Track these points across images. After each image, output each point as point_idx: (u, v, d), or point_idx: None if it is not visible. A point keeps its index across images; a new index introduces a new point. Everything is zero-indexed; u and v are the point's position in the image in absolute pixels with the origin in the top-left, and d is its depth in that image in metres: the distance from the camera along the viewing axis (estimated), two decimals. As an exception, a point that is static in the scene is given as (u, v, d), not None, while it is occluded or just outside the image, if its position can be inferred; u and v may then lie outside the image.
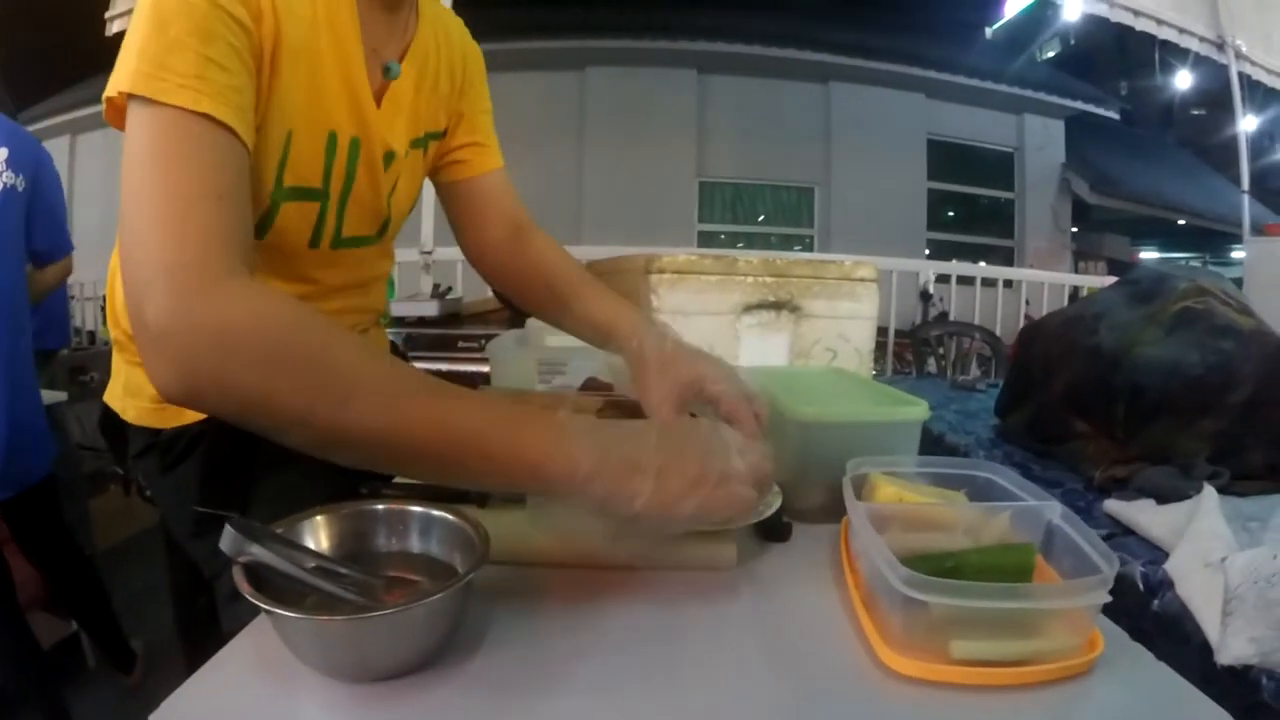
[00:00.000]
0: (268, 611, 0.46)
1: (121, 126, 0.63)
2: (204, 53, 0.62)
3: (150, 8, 0.61)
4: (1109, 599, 0.44)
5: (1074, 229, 9.83)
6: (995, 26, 10.64)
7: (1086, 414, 1.09)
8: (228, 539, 0.49)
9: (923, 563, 0.48)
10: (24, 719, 1.77)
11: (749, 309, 1.25)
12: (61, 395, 2.39)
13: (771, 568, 0.66)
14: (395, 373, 0.55)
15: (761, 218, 9.36)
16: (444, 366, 1.31)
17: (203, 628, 1.50)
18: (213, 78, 0.62)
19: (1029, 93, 9.24)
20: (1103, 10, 3.65)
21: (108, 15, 3.90)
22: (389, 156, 0.85)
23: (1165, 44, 3.87)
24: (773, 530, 0.70)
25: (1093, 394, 1.07)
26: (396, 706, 0.46)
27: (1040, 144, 9.44)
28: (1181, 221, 10.22)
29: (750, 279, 1.24)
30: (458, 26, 0.99)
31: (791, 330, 1.26)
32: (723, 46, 8.39)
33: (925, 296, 5.11)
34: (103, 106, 0.65)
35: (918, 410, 0.75)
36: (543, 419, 0.55)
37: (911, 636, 0.47)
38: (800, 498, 0.74)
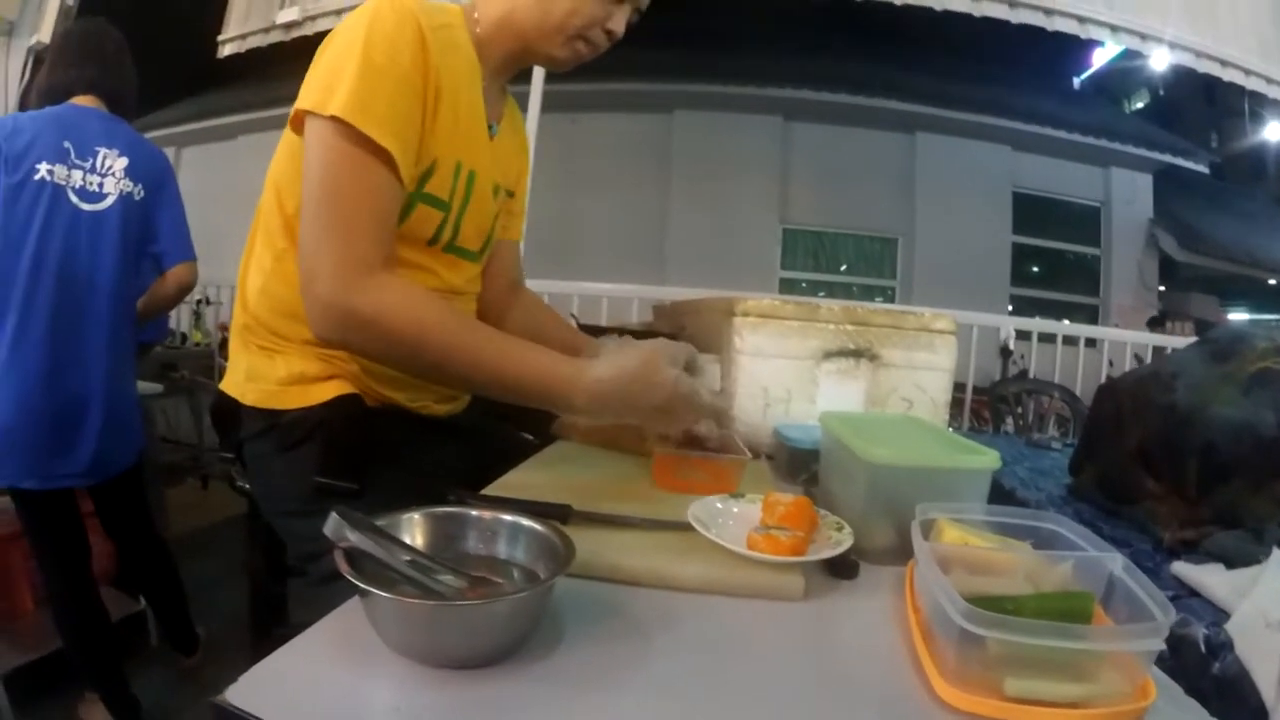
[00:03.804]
0: (363, 592, 0.50)
1: (300, 131, 0.88)
2: (397, 102, 0.86)
3: (362, 54, 0.84)
4: (1163, 646, 0.45)
5: (1161, 287, 9.48)
6: (1083, 77, 10.44)
7: (1158, 473, 1.07)
8: (331, 524, 0.54)
9: (983, 604, 0.49)
10: (87, 684, 1.88)
11: (828, 355, 1.27)
12: (155, 387, 2.54)
13: (836, 602, 0.68)
14: (477, 343, 0.84)
15: (844, 267, 9.29)
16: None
17: (273, 613, 1.58)
18: (398, 123, 0.86)
19: (1116, 145, 8.99)
20: (1189, 60, 3.56)
21: (221, 39, 4.17)
22: (495, 190, 1.09)
23: (1255, 94, 3.75)
24: (841, 567, 0.72)
25: (1165, 453, 1.06)
26: (470, 693, 0.49)
27: (1127, 198, 9.16)
28: (1273, 281, 9.76)
29: (831, 326, 1.27)
30: (521, 120, 1.27)
31: (869, 378, 1.28)
32: (809, 94, 8.41)
33: (1005, 353, 4.99)
34: (290, 112, 0.89)
35: (988, 459, 0.76)
36: (559, 359, 0.86)
37: (967, 671, 0.48)
38: (868, 538, 0.76)
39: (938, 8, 3.30)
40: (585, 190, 8.23)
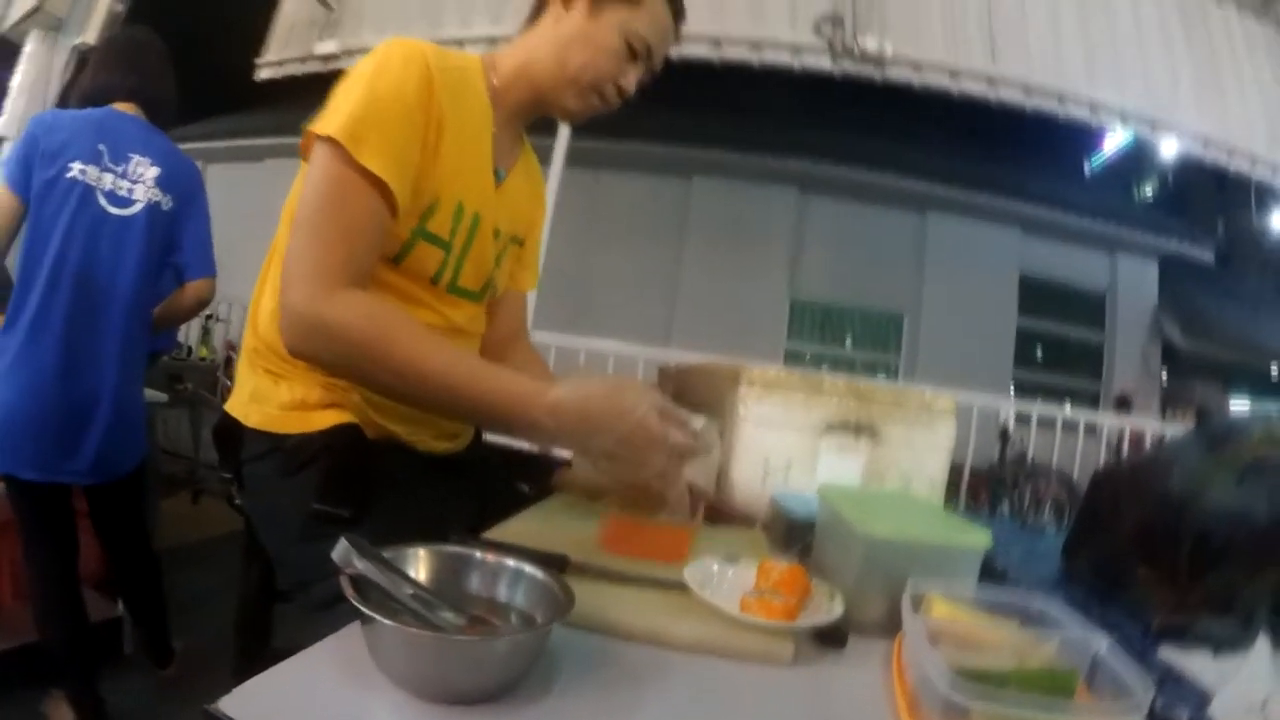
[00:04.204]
0: (366, 619, 0.51)
1: (307, 156, 0.92)
2: (394, 133, 0.89)
3: (367, 85, 0.88)
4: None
5: (1164, 374, 9.50)
6: (1094, 163, 10.61)
7: (1151, 559, 1.07)
8: (340, 550, 0.56)
9: (968, 676, 0.50)
10: (55, 679, 1.87)
11: (830, 429, 1.28)
12: (162, 396, 2.55)
13: (824, 670, 0.69)
14: (440, 360, 0.86)
15: (849, 341, 9.34)
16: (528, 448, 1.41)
17: (258, 635, 1.57)
18: (392, 153, 0.89)
19: (1124, 231, 9.11)
20: (1197, 148, 3.64)
21: (259, 61, 4.28)
22: (496, 233, 1.11)
23: (1260, 182, 3.82)
24: (831, 636, 0.72)
25: (1157, 539, 1.06)
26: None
27: (1132, 285, 9.25)
28: (1277, 369, 9.78)
29: (834, 400, 1.29)
30: (539, 171, 1.28)
31: (868, 453, 1.30)
32: (825, 168, 8.56)
33: (1004, 436, 5.01)
34: (302, 140, 0.94)
35: (980, 538, 0.77)
36: (520, 377, 0.89)
37: (951, 743, 0.49)
38: (860, 609, 0.76)
39: (955, 91, 3.39)
40: (601, 247, 8.34)
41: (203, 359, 4.63)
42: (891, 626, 0.71)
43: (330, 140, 0.86)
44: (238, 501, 1.13)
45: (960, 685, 0.46)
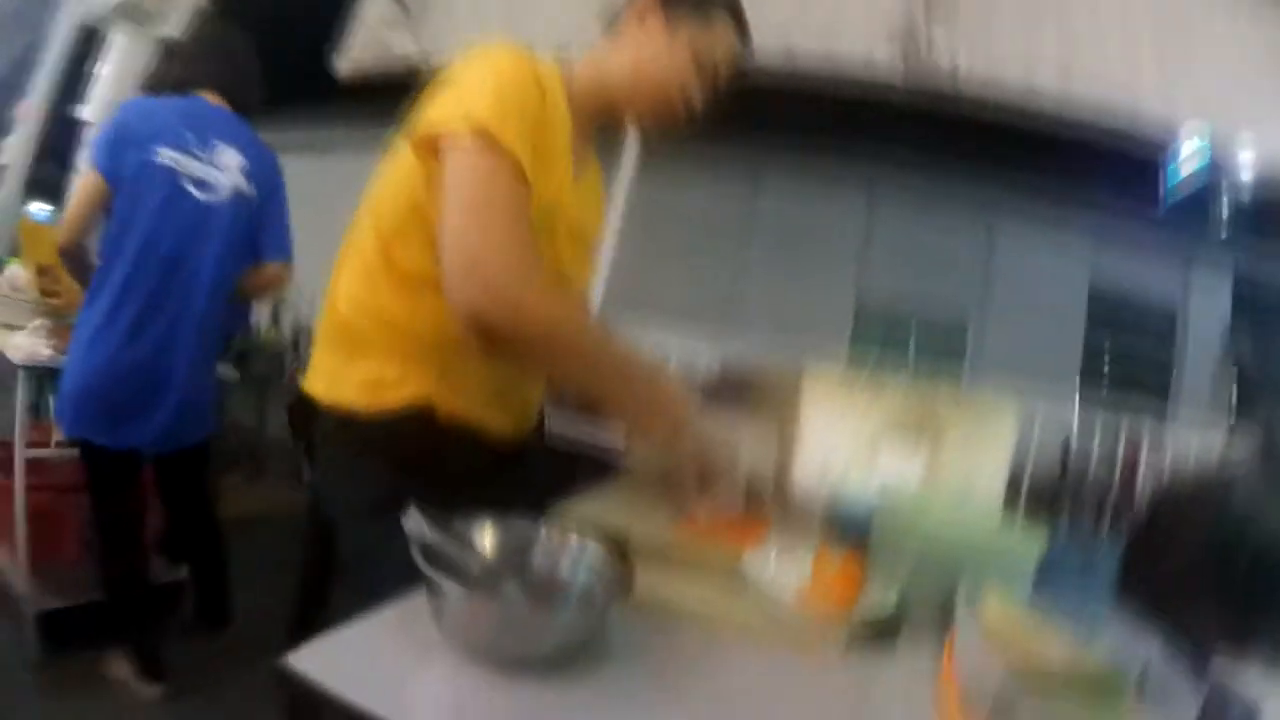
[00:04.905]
0: (435, 585, 0.54)
1: (428, 154, 0.93)
2: (526, 126, 0.92)
3: (494, 79, 0.92)
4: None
5: (1233, 395, 9.12)
6: (1171, 178, 10.23)
7: (1205, 582, 1.05)
8: (413, 521, 0.59)
9: (1019, 675, 0.51)
10: (117, 638, 1.94)
11: (890, 431, 1.29)
12: (235, 374, 2.64)
13: (876, 664, 0.70)
14: (609, 346, 0.93)
15: (912, 347, 9.21)
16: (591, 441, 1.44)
17: (316, 605, 1.62)
18: (525, 138, 0.91)
19: (1199, 248, 8.77)
20: (1276, 168, 3.50)
21: (339, 58, 4.40)
22: (569, 232, 1.12)
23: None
24: (883, 630, 0.73)
25: (1213, 562, 1.04)
26: (517, 694, 0.53)
27: (1205, 303, 8.90)
28: (1348, 402, 9.31)
29: (895, 402, 1.30)
30: (600, 178, 1.30)
31: (928, 457, 1.29)
32: (895, 174, 8.42)
33: (1066, 448, 4.90)
34: (416, 135, 0.95)
35: (1035, 543, 0.78)
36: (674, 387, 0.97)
37: (998, 741, 0.50)
38: (913, 606, 0.77)
39: (1027, 108, 3.32)
40: (668, 244, 8.35)
41: (272, 341, 4.77)
42: (944, 624, 0.71)
43: (477, 131, 0.88)
44: (306, 477, 1.17)
45: (1012, 680, 0.47)
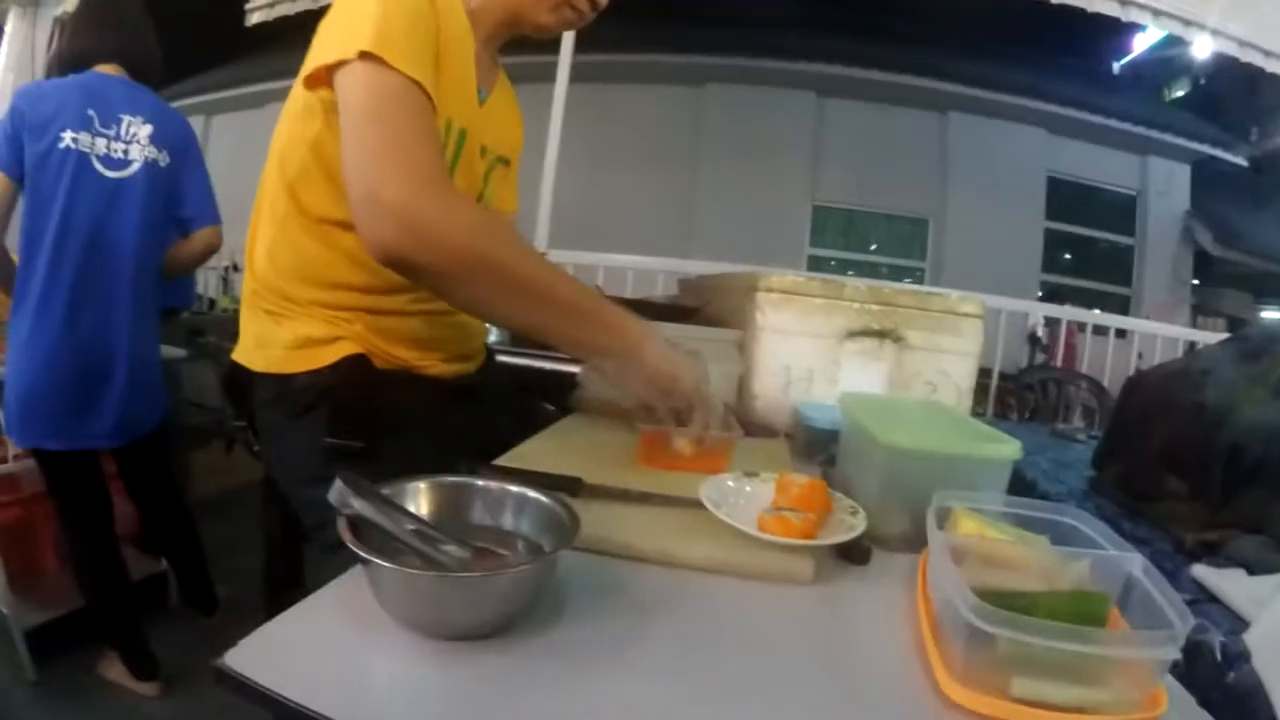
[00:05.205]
0: (364, 560, 0.50)
1: (319, 87, 0.88)
2: (416, 41, 0.86)
3: (380, 2, 0.84)
4: (1178, 656, 0.44)
5: (1195, 281, 9.26)
6: (1122, 63, 10.16)
7: (1182, 473, 1.05)
8: (336, 491, 0.54)
9: (995, 599, 0.48)
10: (106, 641, 1.92)
11: (852, 335, 1.25)
12: (180, 352, 2.56)
13: (846, 589, 0.67)
14: (538, 268, 0.85)
15: (874, 246, 9.17)
16: (545, 365, 1.38)
17: (288, 579, 1.59)
18: (421, 59, 0.85)
19: (1154, 134, 8.75)
20: (1232, 49, 3.46)
21: (248, 6, 4.17)
22: (483, 151, 1.09)
23: (1298, 88, 3.64)
24: (853, 552, 0.71)
25: (1189, 453, 1.03)
26: (470, 666, 0.49)
27: (1163, 189, 8.94)
28: (1309, 280, 9.49)
29: (855, 305, 1.25)
30: (514, 94, 1.25)
31: (893, 360, 1.26)
32: (842, 70, 8.27)
33: (1033, 340, 4.94)
34: (306, 71, 0.89)
35: (1008, 449, 0.74)
36: (617, 306, 0.91)
37: (974, 669, 0.47)
38: (883, 524, 0.75)
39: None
40: (614, 162, 8.18)
41: (224, 311, 4.64)
42: (917, 541, 0.69)
43: (364, 55, 0.81)
44: (256, 449, 1.13)
45: (985, 612, 0.44)
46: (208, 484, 3.06)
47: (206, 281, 4.72)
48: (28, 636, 1.92)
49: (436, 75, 0.90)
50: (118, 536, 1.94)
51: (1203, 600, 0.85)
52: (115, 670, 1.91)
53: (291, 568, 1.57)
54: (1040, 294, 8.46)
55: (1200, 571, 0.89)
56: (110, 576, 1.90)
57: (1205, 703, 0.52)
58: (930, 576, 0.61)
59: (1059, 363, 4.22)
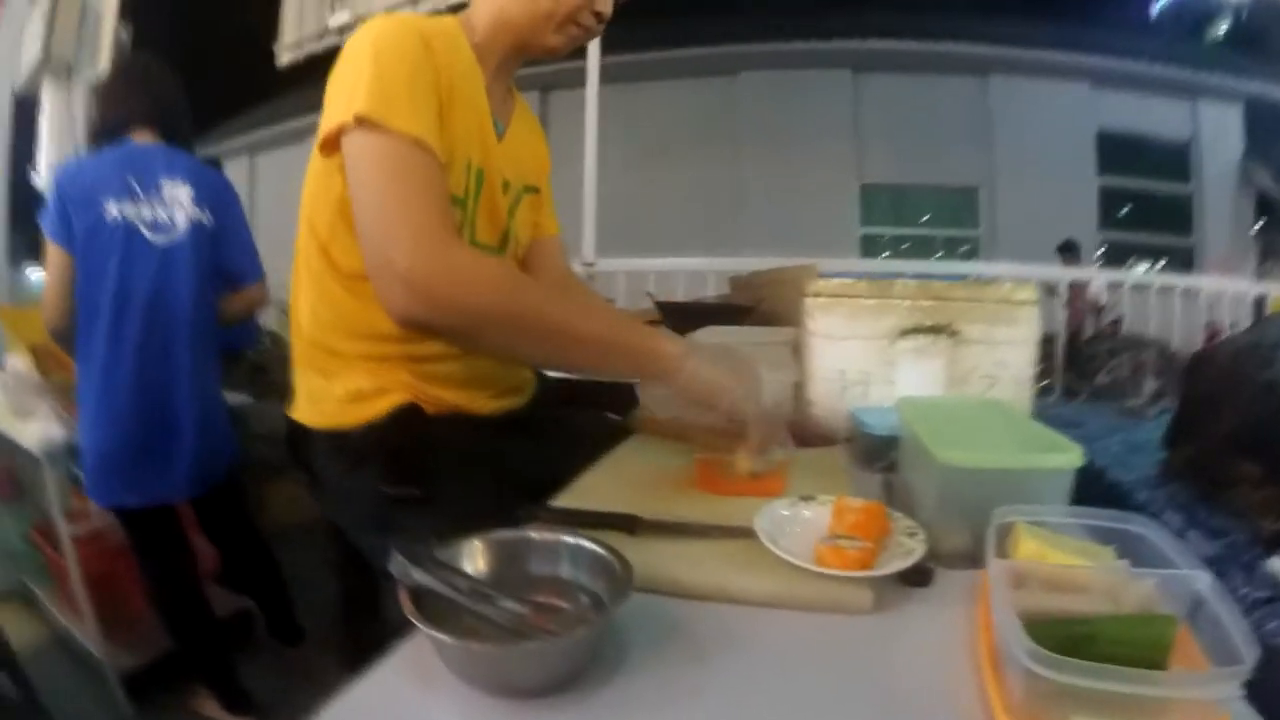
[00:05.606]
0: (426, 634, 0.52)
1: (332, 153, 0.90)
2: (416, 94, 0.88)
3: (372, 59, 0.87)
4: (1239, 694, 0.43)
5: (1259, 225, 8.82)
6: (1160, 5, 9.73)
7: (1256, 456, 1.00)
8: (395, 565, 0.56)
9: (1057, 626, 0.47)
10: (199, 679, 1.99)
11: (905, 334, 1.22)
12: (245, 398, 2.65)
13: (908, 615, 0.66)
14: (556, 309, 0.88)
15: (925, 219, 8.96)
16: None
17: (365, 609, 1.63)
18: (421, 111, 0.87)
19: (1201, 76, 8.36)
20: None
21: (277, 48, 4.29)
22: (505, 186, 1.10)
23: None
24: (914, 576, 0.70)
25: (1262, 435, 0.99)
26: (536, 716, 0.51)
27: (1217, 133, 8.54)
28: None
29: (906, 303, 1.22)
30: (534, 118, 1.25)
31: (948, 356, 1.22)
32: (875, 44, 8.10)
33: (1095, 310, 4.79)
34: (318, 138, 0.91)
35: (1069, 458, 0.72)
36: (657, 331, 0.93)
37: (1032, 705, 0.46)
38: (943, 541, 0.73)
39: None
40: (653, 163, 8.16)
41: (285, 344, 4.76)
42: (979, 555, 0.67)
43: (360, 120, 0.84)
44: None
45: (1039, 656, 0.43)
46: (284, 515, 3.14)
47: (266, 317, 4.85)
48: (124, 680, 2.00)
49: (446, 118, 0.92)
50: (201, 576, 2.02)
51: (1277, 599, 0.81)
52: (210, 707, 1.97)
53: (367, 598, 1.61)
54: (1100, 250, 8.15)
55: (1276, 565, 0.85)
56: (196, 618, 1.98)
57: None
58: (991, 604, 0.60)
59: (1124, 328, 4.08)
